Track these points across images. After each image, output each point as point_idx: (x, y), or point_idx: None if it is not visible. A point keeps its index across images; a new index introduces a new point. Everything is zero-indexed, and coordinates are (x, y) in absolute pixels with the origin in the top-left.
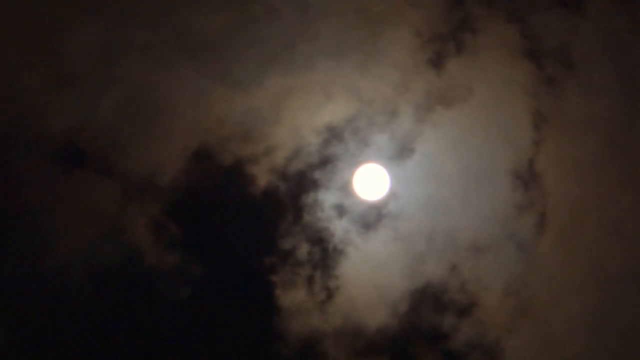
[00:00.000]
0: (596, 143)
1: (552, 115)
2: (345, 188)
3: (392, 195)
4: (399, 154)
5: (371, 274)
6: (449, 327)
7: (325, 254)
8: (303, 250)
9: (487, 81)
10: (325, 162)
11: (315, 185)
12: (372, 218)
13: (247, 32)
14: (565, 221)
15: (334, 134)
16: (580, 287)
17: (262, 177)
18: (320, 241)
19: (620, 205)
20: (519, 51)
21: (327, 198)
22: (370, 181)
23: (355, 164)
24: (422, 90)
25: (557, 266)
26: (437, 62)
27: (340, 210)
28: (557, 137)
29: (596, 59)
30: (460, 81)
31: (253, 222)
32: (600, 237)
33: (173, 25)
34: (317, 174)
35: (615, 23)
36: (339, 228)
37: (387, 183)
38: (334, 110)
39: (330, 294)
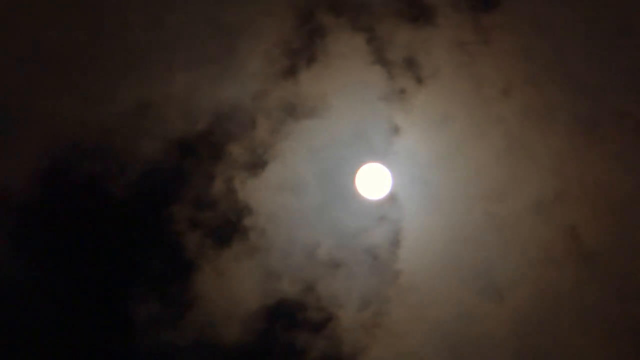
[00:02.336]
0: (449, 150)
1: (404, 124)
2: (200, 202)
3: (247, 208)
4: (255, 165)
5: (226, 289)
6: (304, 343)
7: (179, 268)
8: (157, 264)
9: (341, 89)
10: (181, 175)
11: (170, 199)
12: (227, 232)
13: (101, 46)
14: (420, 234)
15: (189, 147)
16: (436, 300)
17: (117, 191)
18: (175, 255)
19: (470, 216)
20: (368, 59)
21: (182, 212)
22: (227, 194)
23: (211, 177)
24: (279, 101)
25: (412, 280)
26: (292, 72)
27: (195, 224)
28: (409, 144)
29: (444, 69)
30: (315, 90)
31: (107, 237)
32: (455, 249)
33: (25, 39)
34: (172, 188)
35: (462, 34)
36: (193, 242)
37: (244, 196)
38: (190, 123)
39: (184, 309)
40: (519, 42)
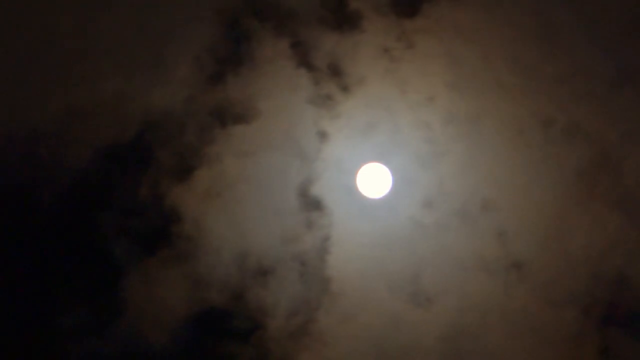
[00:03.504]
0: (375, 157)
1: (332, 130)
2: (127, 209)
3: (175, 215)
4: (183, 171)
5: (153, 297)
6: (232, 351)
7: (106, 275)
8: (84, 270)
9: (268, 94)
10: (108, 182)
11: (97, 206)
12: (155, 239)
13: (28, 53)
14: (348, 241)
15: (118, 153)
16: (365, 306)
17: (44, 199)
18: (102, 263)
19: (398, 223)
20: (294, 65)
21: (109, 219)
22: (154, 201)
23: (139, 183)
24: (208, 106)
25: (341, 286)
26: (220, 78)
27: (123, 231)
28: (336, 149)
29: (369, 74)
30: (243, 95)
31: (34, 244)
32: (383, 255)
33: None
34: (100, 195)
35: (387, 40)
36: (120, 249)
37: (172, 202)
38: (119, 130)
39: (112, 317)
40: (443, 48)
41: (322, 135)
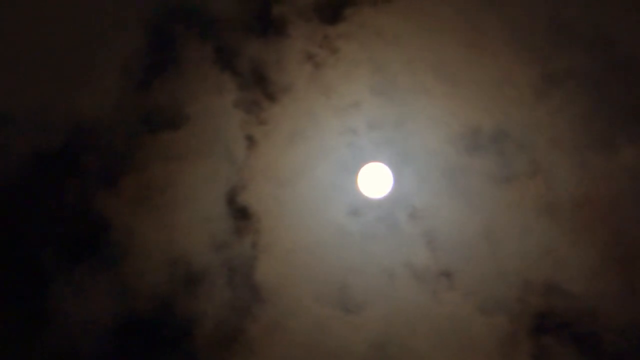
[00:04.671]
0: (300, 165)
1: (259, 135)
2: (54, 216)
3: (104, 222)
4: (110, 178)
5: (81, 305)
6: None
7: (34, 284)
8: (10, 279)
9: (196, 99)
10: (36, 190)
11: (23, 214)
12: (82, 247)
13: None
14: (278, 245)
15: (44, 161)
16: (294, 313)
17: None
18: (29, 270)
19: (326, 231)
20: (220, 72)
21: (36, 226)
22: (82, 208)
23: (66, 191)
24: (135, 112)
25: (270, 293)
26: (147, 84)
27: (50, 238)
28: (264, 155)
29: (295, 80)
30: (170, 101)
31: None
32: (312, 263)
33: None
34: (26, 203)
35: (311, 46)
36: (47, 256)
37: (99, 209)
38: (46, 137)
39: (38, 325)
40: (367, 53)
41: (250, 141)
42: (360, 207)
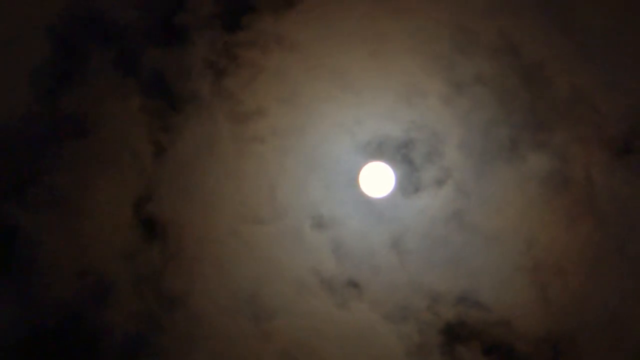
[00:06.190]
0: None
1: (165, 143)
2: None
3: (9, 232)
4: (19, 188)
5: None
6: None
7: None
8: None
9: (101, 106)
10: None
11: None
12: None
13: None
14: (188, 254)
15: None
16: (204, 323)
17: None
18: None
19: (238, 241)
20: (125, 80)
21: None
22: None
23: None
24: (43, 123)
25: (181, 302)
26: (53, 92)
27: None
28: (171, 164)
29: (198, 88)
30: (78, 110)
31: None
32: (225, 274)
33: None
34: None
35: (214, 54)
36: None
37: (6, 219)
38: None
39: None
40: (268, 61)
41: (156, 149)
42: (266, 216)
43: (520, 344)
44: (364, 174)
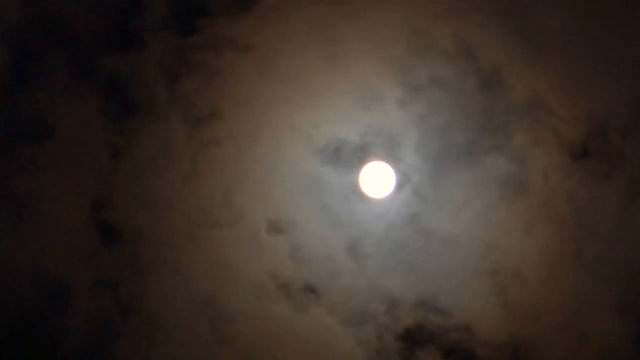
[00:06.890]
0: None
1: (121, 148)
2: None
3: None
4: None
5: None
6: None
7: None
8: None
9: (58, 110)
10: None
11: None
12: None
13: None
14: (144, 258)
15: None
16: (162, 327)
17: None
18: None
19: (198, 249)
20: (81, 84)
21: None
22: None
23: None
24: (0, 127)
25: (139, 306)
26: (9, 96)
27: None
28: (127, 169)
29: (155, 93)
30: (35, 114)
31: None
32: (184, 282)
33: None
34: None
35: (169, 57)
36: None
37: None
38: None
39: None
40: (222, 63)
41: (113, 153)
42: (223, 219)
43: (480, 349)
44: (321, 178)
